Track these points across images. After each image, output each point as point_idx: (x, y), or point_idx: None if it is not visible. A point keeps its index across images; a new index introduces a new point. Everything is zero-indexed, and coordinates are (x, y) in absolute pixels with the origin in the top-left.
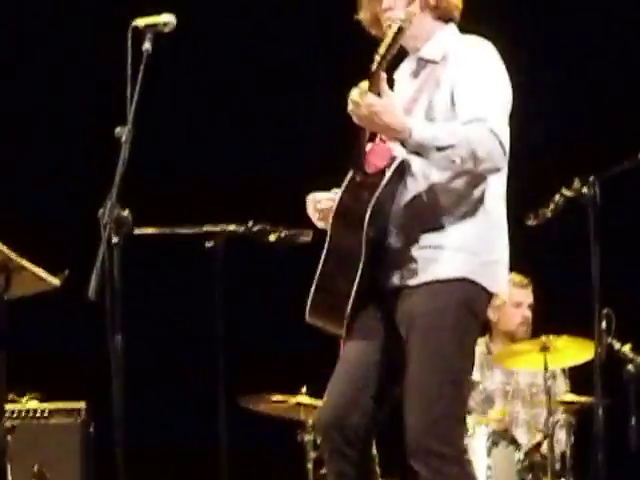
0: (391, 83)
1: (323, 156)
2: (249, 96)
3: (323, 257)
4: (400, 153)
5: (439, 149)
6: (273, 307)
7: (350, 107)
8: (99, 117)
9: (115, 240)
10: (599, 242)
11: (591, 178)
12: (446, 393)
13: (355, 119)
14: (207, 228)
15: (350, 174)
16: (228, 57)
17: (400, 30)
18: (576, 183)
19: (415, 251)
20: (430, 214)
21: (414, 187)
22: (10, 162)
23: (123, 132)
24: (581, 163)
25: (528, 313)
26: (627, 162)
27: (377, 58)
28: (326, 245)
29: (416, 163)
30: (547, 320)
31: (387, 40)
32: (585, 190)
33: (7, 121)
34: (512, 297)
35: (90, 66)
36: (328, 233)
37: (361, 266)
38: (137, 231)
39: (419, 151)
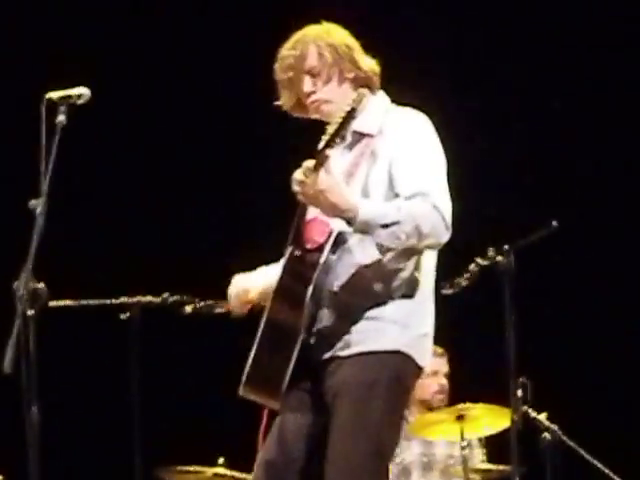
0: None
1: (241, 230)
2: (165, 168)
3: (260, 333)
4: (336, 227)
5: (384, 226)
6: (190, 378)
7: (295, 185)
8: (13, 190)
9: (30, 313)
10: (514, 311)
11: (506, 247)
12: (370, 465)
13: (300, 197)
14: (123, 300)
15: (289, 249)
16: (144, 126)
17: (352, 111)
18: (490, 252)
19: (348, 323)
20: (365, 287)
21: (350, 260)
22: None
23: (38, 204)
24: (495, 233)
25: (444, 381)
26: (540, 231)
27: (325, 137)
28: (263, 321)
29: (353, 237)
30: (463, 389)
31: (338, 120)
32: (500, 259)
33: None
34: (429, 366)
35: (3, 137)
36: (266, 309)
37: (298, 344)
38: (52, 303)
39: (365, 229)
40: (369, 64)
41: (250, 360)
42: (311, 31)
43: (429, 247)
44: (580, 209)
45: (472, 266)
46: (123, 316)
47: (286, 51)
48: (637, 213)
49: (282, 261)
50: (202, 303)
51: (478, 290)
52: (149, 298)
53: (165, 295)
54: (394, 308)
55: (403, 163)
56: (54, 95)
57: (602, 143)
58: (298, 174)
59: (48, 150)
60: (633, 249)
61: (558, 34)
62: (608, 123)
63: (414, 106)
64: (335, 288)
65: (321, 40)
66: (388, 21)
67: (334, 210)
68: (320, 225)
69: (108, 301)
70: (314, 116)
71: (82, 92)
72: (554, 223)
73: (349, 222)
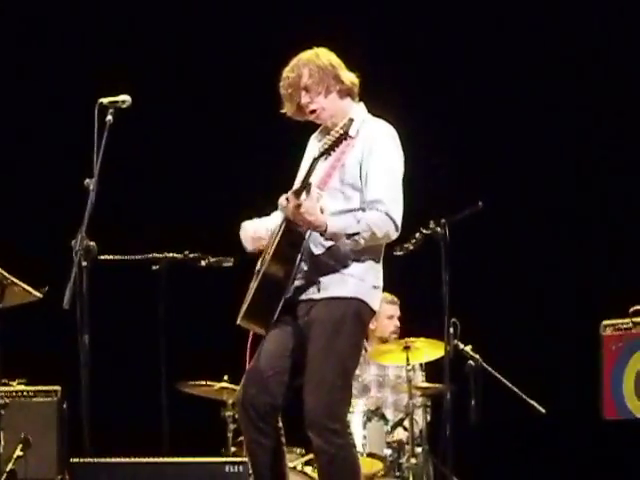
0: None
1: (244, 198)
2: (191, 153)
3: (257, 282)
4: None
5: (348, 236)
6: (204, 316)
7: (280, 205)
8: (72, 172)
9: (84, 264)
10: (448, 269)
11: (442, 220)
12: (338, 382)
13: (286, 211)
14: (154, 255)
15: (284, 222)
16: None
17: (342, 135)
18: (431, 224)
19: (320, 275)
20: (335, 251)
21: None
22: (6, 201)
23: (91, 182)
24: (435, 209)
25: (397, 323)
26: (469, 208)
27: (320, 149)
28: (261, 274)
29: None
30: (409, 327)
31: (328, 141)
32: (438, 229)
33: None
34: (385, 311)
35: (70, 134)
36: (265, 263)
37: (286, 291)
38: (101, 257)
39: (333, 238)
40: (349, 77)
41: (249, 299)
42: (304, 55)
43: (382, 243)
44: (501, 191)
45: (417, 234)
46: (154, 268)
47: (286, 73)
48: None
49: (278, 220)
50: (213, 259)
51: (422, 253)
52: (173, 254)
53: (186, 252)
54: (355, 266)
55: (369, 170)
56: (104, 100)
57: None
58: (282, 199)
59: (99, 142)
60: (538, 227)
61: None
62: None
63: (386, 118)
64: (315, 251)
65: (312, 63)
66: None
67: (309, 225)
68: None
69: (143, 256)
70: (311, 119)
71: (126, 98)
72: (480, 203)
73: (321, 234)
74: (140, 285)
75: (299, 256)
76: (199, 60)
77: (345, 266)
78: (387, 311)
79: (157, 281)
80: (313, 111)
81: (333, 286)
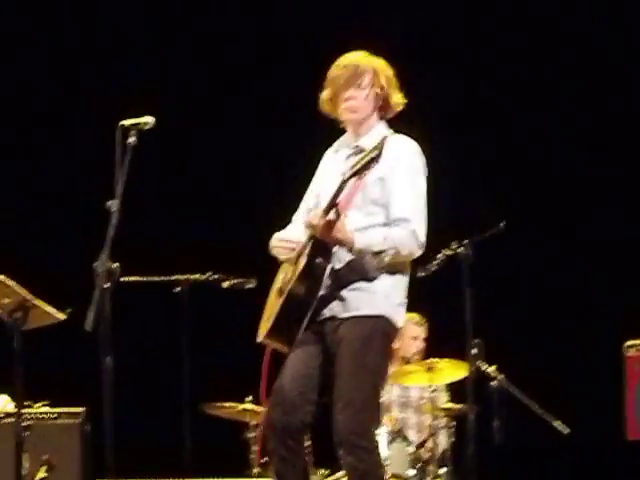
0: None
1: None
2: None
3: (283, 300)
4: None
5: (374, 254)
6: (226, 338)
7: (309, 225)
8: (95, 194)
9: (106, 286)
10: (472, 289)
11: (465, 241)
12: (368, 400)
13: (313, 230)
14: (176, 277)
15: (311, 240)
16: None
17: (377, 156)
18: (454, 245)
19: (345, 292)
20: (356, 265)
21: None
22: (29, 224)
23: (113, 204)
24: (458, 229)
25: (422, 345)
26: (493, 228)
27: (350, 171)
28: (287, 291)
29: None
30: (433, 347)
31: (360, 164)
32: (461, 250)
33: (23, 192)
34: (411, 332)
35: (93, 155)
36: (291, 282)
37: (311, 310)
38: (123, 279)
39: (360, 255)
40: (396, 99)
41: (274, 317)
42: (377, 59)
43: (406, 260)
44: (524, 213)
45: (440, 255)
46: (176, 289)
47: (352, 59)
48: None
49: (301, 235)
50: (236, 280)
51: (445, 272)
52: (196, 276)
53: (208, 273)
54: (380, 282)
55: (394, 187)
56: (126, 122)
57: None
58: (310, 217)
59: (121, 164)
60: (562, 247)
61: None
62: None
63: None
64: (337, 265)
65: (381, 70)
66: None
67: (338, 242)
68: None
69: (165, 278)
70: (334, 116)
71: (148, 120)
72: (502, 223)
73: (348, 250)
74: (163, 307)
75: (326, 274)
76: (218, 82)
77: (370, 282)
78: (412, 332)
79: (179, 303)
80: (348, 106)
81: (360, 303)
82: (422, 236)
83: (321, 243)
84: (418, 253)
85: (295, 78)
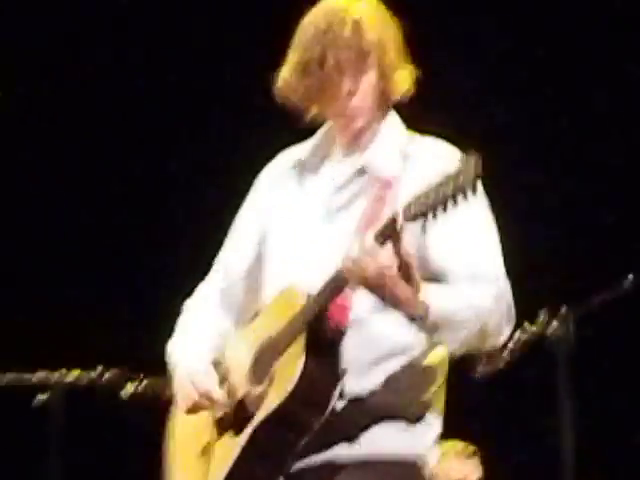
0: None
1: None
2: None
3: (249, 437)
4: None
5: (453, 329)
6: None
7: (351, 260)
8: None
9: None
10: (573, 395)
11: (563, 309)
12: None
13: (350, 276)
14: (40, 376)
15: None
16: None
17: (461, 197)
18: (542, 316)
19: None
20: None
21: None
22: None
23: None
24: (549, 291)
25: None
26: (609, 289)
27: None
28: (262, 417)
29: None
30: None
31: (423, 205)
32: (554, 325)
33: None
34: (452, 473)
35: None
36: (269, 406)
37: (294, 452)
38: None
39: (429, 332)
40: (403, 75)
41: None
42: (377, 6)
43: (487, 348)
44: None
45: (517, 334)
46: (40, 397)
47: (345, 13)
48: None
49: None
50: (146, 381)
51: (524, 367)
52: (76, 373)
53: (98, 369)
54: (410, 396)
55: (452, 230)
56: None
57: None
58: (367, 244)
59: None
60: None
61: None
62: None
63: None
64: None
65: (389, 37)
66: None
67: (397, 302)
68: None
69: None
70: (303, 107)
71: None
72: (629, 277)
73: (413, 319)
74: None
75: (339, 385)
76: None
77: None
78: (455, 472)
79: (46, 421)
80: (350, 111)
81: (373, 435)
82: (512, 304)
83: (329, 322)
84: (507, 333)
85: None
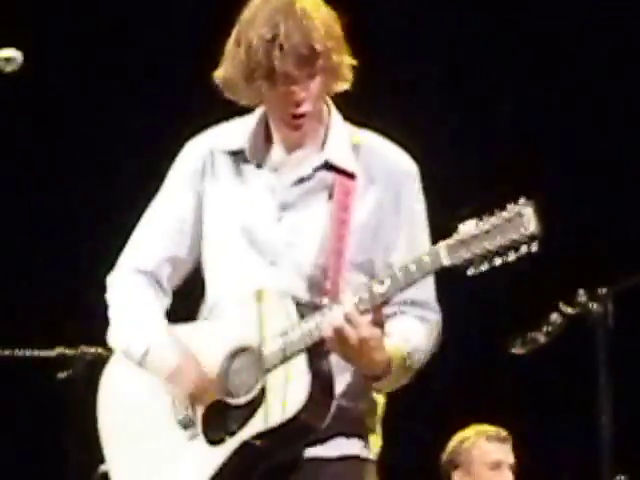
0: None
1: None
2: None
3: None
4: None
5: (409, 369)
6: None
7: (332, 327)
8: None
9: None
10: (612, 380)
11: (602, 290)
12: None
13: (333, 342)
14: (60, 351)
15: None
16: None
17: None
18: (580, 297)
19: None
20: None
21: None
22: None
23: None
24: (587, 271)
25: (510, 477)
26: None
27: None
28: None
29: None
30: None
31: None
32: (594, 306)
33: None
34: (487, 456)
35: None
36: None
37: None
38: None
39: (379, 384)
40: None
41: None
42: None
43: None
44: None
45: (554, 315)
46: (61, 374)
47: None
48: None
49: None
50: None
51: (561, 349)
52: (98, 349)
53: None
54: (374, 400)
55: (409, 249)
56: None
57: None
58: (348, 310)
59: None
60: None
61: None
62: None
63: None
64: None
65: (332, 33)
66: None
67: (370, 367)
68: None
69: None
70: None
71: (11, 55)
72: None
73: (377, 378)
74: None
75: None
76: None
77: (360, 400)
78: (489, 455)
79: (65, 397)
80: (299, 121)
81: (352, 436)
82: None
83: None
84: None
85: None
